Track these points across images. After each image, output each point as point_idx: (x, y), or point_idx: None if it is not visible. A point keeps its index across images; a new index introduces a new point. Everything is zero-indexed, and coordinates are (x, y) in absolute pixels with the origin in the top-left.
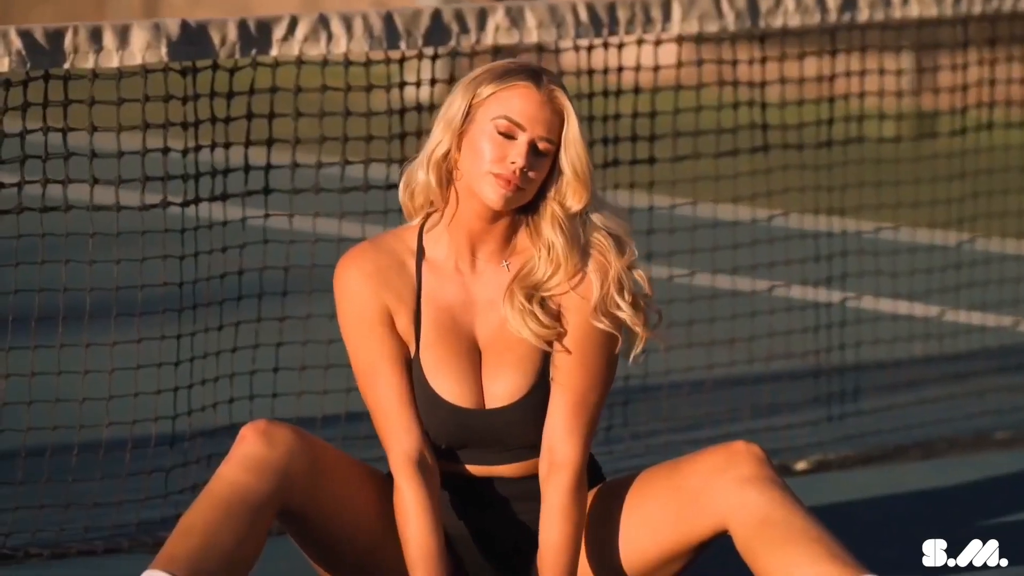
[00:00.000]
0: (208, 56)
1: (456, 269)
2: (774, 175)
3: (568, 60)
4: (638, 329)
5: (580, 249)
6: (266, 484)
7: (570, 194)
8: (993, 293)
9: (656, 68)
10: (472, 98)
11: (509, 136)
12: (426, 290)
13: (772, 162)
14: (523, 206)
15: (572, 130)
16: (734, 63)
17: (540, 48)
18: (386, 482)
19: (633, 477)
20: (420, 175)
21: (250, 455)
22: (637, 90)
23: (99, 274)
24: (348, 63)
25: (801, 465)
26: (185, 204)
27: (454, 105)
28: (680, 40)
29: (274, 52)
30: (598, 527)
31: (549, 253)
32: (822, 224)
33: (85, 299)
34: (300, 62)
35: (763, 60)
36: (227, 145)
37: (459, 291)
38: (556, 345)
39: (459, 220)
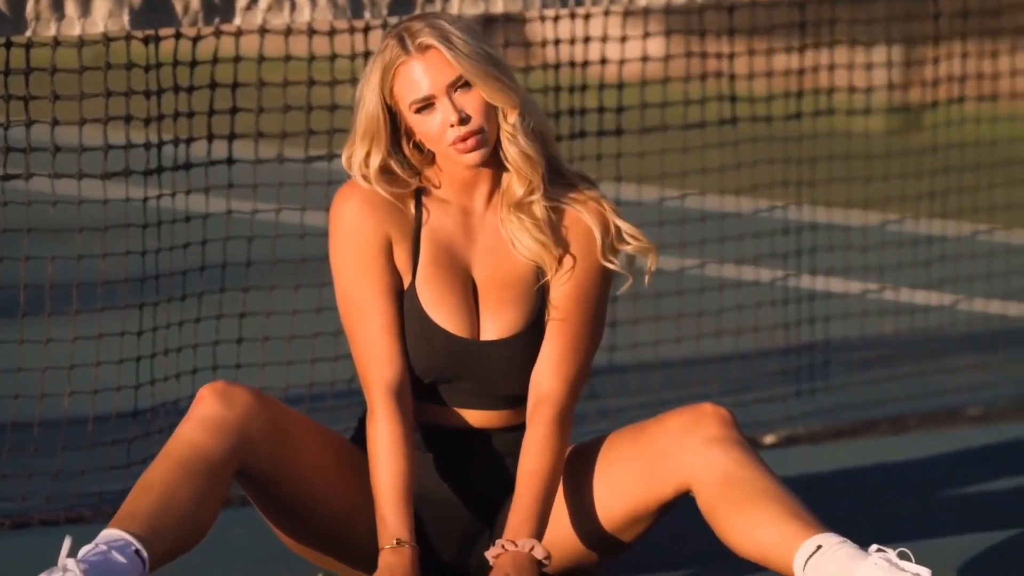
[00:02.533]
0: (171, 25)
1: (454, 208)
2: (742, 147)
3: (534, 31)
4: (648, 246)
5: (539, 155)
6: (223, 444)
7: (502, 103)
8: (964, 270)
9: (623, 39)
10: (379, 101)
11: (430, 107)
12: (425, 225)
13: (740, 134)
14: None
15: (452, 58)
16: (702, 33)
17: (507, 18)
18: (351, 448)
19: (602, 439)
20: (377, 188)
21: (208, 415)
22: (603, 61)
23: (62, 244)
24: (312, 32)
25: (769, 439)
26: (147, 172)
27: (364, 112)
28: (646, 12)
29: (237, 21)
30: (567, 488)
31: (517, 166)
32: (792, 199)
33: (47, 268)
34: (264, 31)
35: (731, 32)
36: (190, 115)
37: (457, 230)
38: (554, 288)
39: (449, 173)
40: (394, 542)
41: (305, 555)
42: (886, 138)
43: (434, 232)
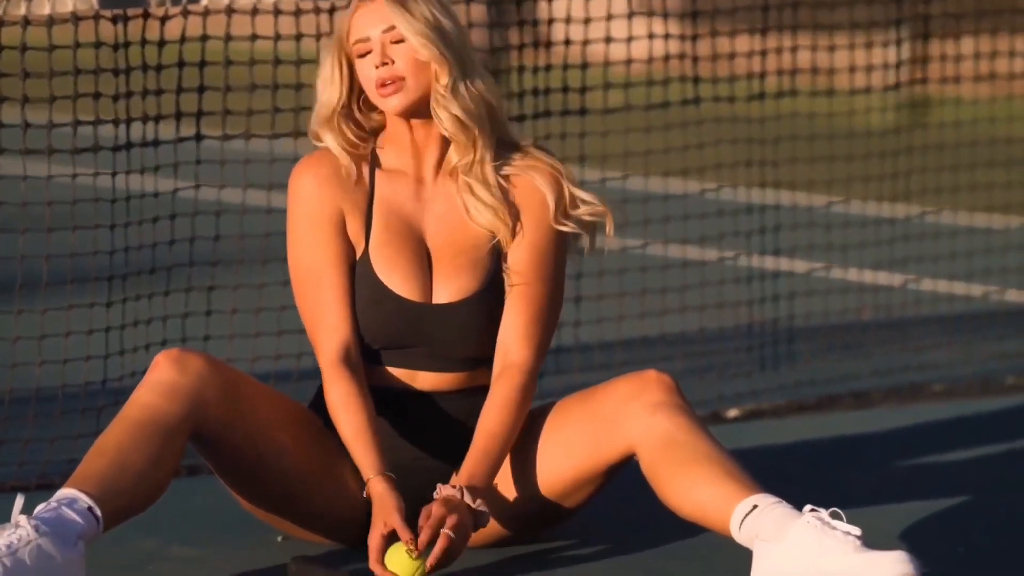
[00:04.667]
0: (139, 5)
1: (407, 177)
2: (705, 128)
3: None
4: (602, 210)
5: (478, 118)
6: (177, 407)
7: (438, 70)
8: (928, 250)
9: (587, 21)
10: (338, 49)
11: (367, 53)
12: (378, 194)
13: (703, 115)
14: None
15: (392, 12)
16: (664, 16)
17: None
18: (308, 414)
19: (551, 405)
20: (326, 137)
21: (162, 380)
22: (567, 42)
23: (32, 218)
24: (278, 12)
25: (733, 412)
26: (116, 149)
27: (325, 64)
28: None
29: (204, 1)
30: (517, 451)
31: (451, 132)
32: (755, 180)
33: (18, 241)
34: (231, 11)
35: (694, 15)
36: (159, 92)
37: (410, 197)
38: (511, 254)
39: (398, 135)
40: (373, 474)
41: (265, 519)
42: (848, 119)
43: (387, 201)
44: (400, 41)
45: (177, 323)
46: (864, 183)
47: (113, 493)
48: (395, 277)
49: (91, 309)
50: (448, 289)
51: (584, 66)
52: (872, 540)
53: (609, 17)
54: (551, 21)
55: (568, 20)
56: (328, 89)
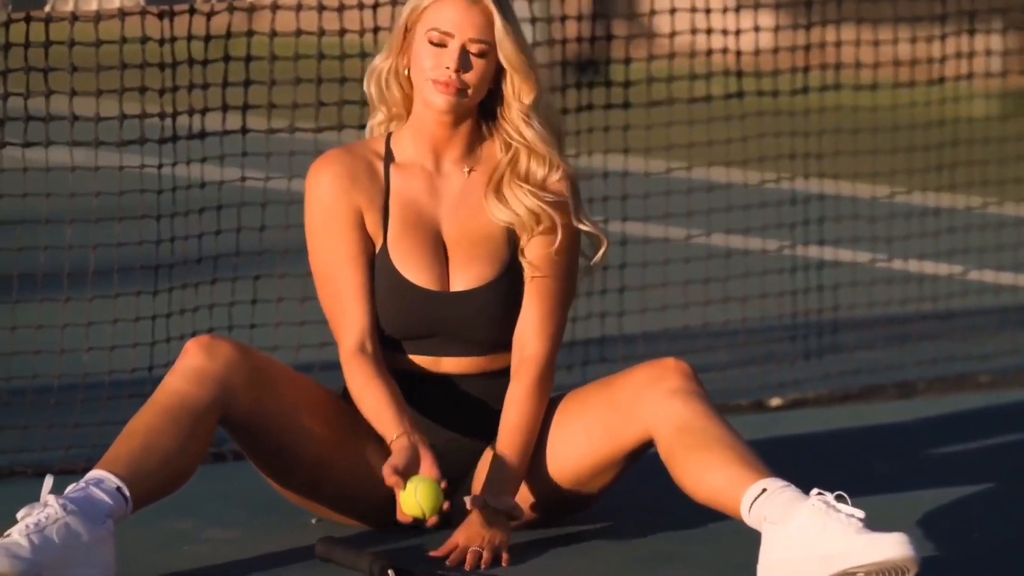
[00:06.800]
0: (185, 0)
1: (422, 171)
2: (749, 121)
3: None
4: (596, 230)
5: (555, 139)
6: (206, 393)
7: (522, 88)
8: (974, 242)
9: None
10: (410, 13)
11: (442, 45)
12: (394, 189)
13: (747, 108)
14: (485, 113)
15: (500, 28)
16: (707, 11)
17: None
18: (337, 400)
19: (571, 393)
20: (368, 87)
21: (192, 366)
22: (610, 37)
23: (79, 208)
24: (322, 8)
25: (775, 401)
26: (162, 141)
27: (396, 24)
28: None
29: None
30: (541, 439)
31: (533, 147)
32: (799, 172)
33: (65, 231)
34: (275, 7)
35: (737, 9)
36: (205, 87)
37: (426, 191)
38: (530, 250)
39: (421, 128)
40: (397, 434)
41: (297, 502)
42: (892, 113)
43: (402, 194)
44: (482, 55)
45: (223, 311)
46: (908, 175)
47: (142, 474)
48: (412, 268)
49: (137, 297)
50: (465, 278)
51: (627, 61)
52: (896, 526)
53: (653, 12)
54: (595, 16)
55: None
56: (385, 50)
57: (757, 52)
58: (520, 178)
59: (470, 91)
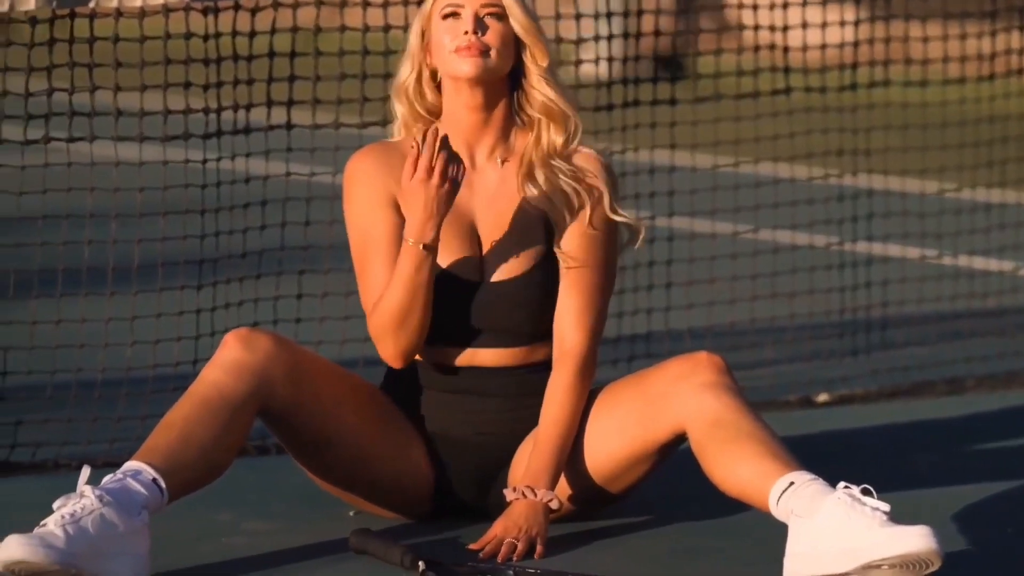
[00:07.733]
0: None
1: None
2: (796, 117)
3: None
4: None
5: (575, 105)
6: (244, 385)
7: (537, 53)
8: None
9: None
10: (422, 18)
11: (455, 15)
12: None
13: (794, 104)
14: (510, 100)
15: None
16: (754, 7)
17: None
18: (376, 393)
19: (606, 387)
20: (397, 107)
21: (230, 359)
22: (658, 33)
23: (124, 203)
24: (367, 4)
25: (823, 397)
26: (207, 136)
27: (411, 34)
28: None
29: None
30: (577, 432)
31: (552, 112)
32: (847, 168)
33: (110, 225)
34: (320, 3)
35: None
36: (249, 82)
37: (461, 185)
38: (566, 240)
39: (455, 120)
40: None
41: (336, 494)
42: (942, 109)
43: None
44: (497, 16)
45: (268, 306)
46: (958, 171)
47: (178, 466)
48: (449, 259)
49: (182, 292)
50: (501, 269)
51: (673, 56)
52: (932, 521)
53: (701, 8)
54: (640, 12)
55: (658, 11)
56: (407, 63)
57: (805, 48)
58: (547, 152)
59: (492, 52)
